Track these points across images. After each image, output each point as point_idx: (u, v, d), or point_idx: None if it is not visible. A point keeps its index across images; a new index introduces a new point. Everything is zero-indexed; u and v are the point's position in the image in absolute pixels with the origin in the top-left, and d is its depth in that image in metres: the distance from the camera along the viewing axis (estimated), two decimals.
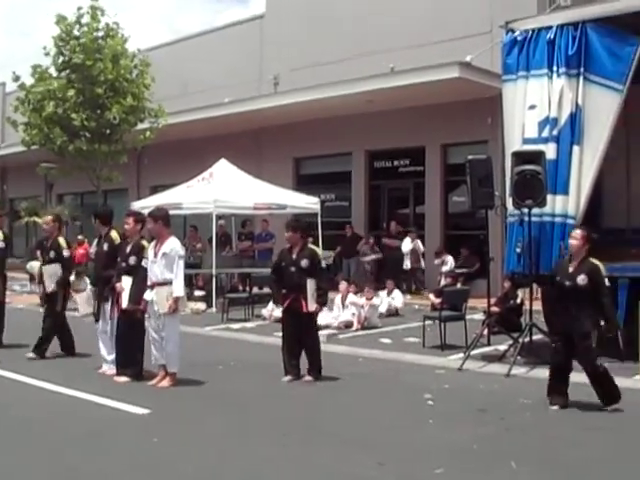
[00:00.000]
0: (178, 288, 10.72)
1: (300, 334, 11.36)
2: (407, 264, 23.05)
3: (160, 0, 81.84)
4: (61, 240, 13.45)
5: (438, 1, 23.89)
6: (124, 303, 11.15)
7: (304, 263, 11.21)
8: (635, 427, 8.66)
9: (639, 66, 12.28)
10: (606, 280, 9.65)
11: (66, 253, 13.37)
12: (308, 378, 11.22)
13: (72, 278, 13.90)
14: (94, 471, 7.21)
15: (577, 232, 9.90)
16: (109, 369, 11.72)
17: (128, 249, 11.45)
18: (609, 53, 12.32)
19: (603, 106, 12.35)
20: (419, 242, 23.24)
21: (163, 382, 10.88)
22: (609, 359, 12.07)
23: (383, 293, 19.11)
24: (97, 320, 11.87)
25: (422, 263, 23.27)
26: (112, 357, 11.70)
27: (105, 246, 12.01)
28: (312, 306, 11.12)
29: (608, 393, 9.51)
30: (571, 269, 9.70)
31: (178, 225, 27.22)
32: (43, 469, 7.26)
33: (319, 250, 11.52)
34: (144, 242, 11.43)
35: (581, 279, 9.51)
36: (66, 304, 13.44)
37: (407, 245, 22.95)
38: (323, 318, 16.50)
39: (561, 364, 9.64)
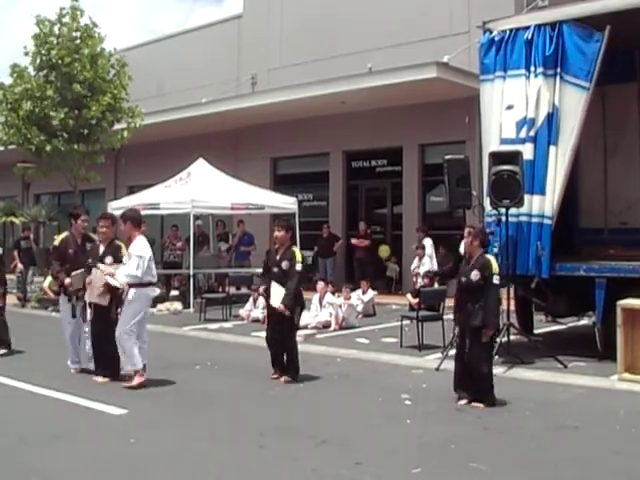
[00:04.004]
0: (119, 276, 10.83)
1: (280, 333, 11.37)
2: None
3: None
4: None
5: (416, 1, 23.90)
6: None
7: (284, 265, 11.26)
8: (609, 427, 8.67)
9: (614, 65, 12.30)
10: (495, 277, 9.71)
11: None
12: (285, 378, 11.21)
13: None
14: (60, 472, 7.19)
15: (466, 230, 10.07)
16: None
17: (101, 250, 11.46)
18: (578, 51, 12.32)
19: (573, 105, 12.37)
20: None
21: (131, 382, 10.78)
22: (586, 359, 12.19)
23: (358, 292, 19.05)
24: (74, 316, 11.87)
25: None
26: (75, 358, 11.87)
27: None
28: (275, 302, 11.13)
29: (481, 394, 9.66)
30: (468, 266, 9.95)
31: (156, 225, 27.18)
32: (6, 471, 7.18)
33: (298, 252, 11.50)
34: (118, 242, 11.50)
35: (474, 275, 9.75)
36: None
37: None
38: (301, 318, 16.50)
39: (463, 359, 9.84)
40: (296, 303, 11.30)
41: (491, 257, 9.96)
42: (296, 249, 11.57)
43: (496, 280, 9.73)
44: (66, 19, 24.13)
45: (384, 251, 23.97)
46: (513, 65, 12.87)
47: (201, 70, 30.24)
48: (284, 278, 11.18)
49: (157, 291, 11.55)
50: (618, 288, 11.69)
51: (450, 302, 15.78)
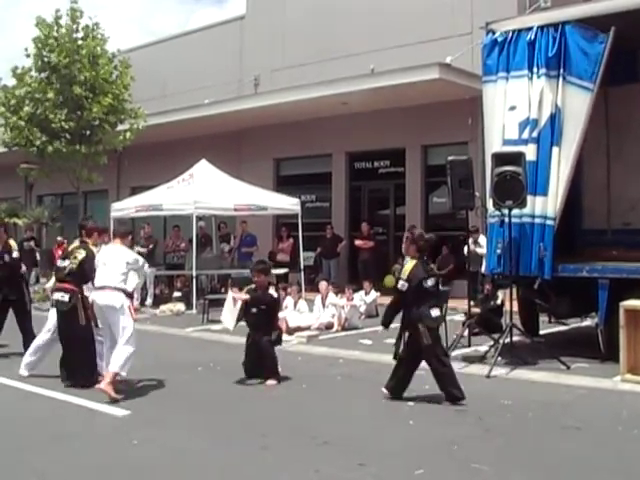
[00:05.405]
0: None
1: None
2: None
3: (133, 0, 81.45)
4: None
5: (418, 2, 23.88)
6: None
7: (264, 306, 11.47)
8: (612, 428, 8.66)
9: (617, 66, 12.29)
10: (400, 282, 9.99)
11: None
12: (269, 382, 11.20)
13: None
14: (61, 473, 7.22)
15: (405, 234, 10.24)
16: None
17: None
18: (582, 52, 12.31)
19: (577, 106, 12.35)
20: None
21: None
22: (589, 360, 12.18)
23: (360, 293, 18.99)
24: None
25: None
26: None
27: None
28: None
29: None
30: None
31: (158, 226, 27.19)
32: (6, 472, 7.19)
33: (273, 292, 11.76)
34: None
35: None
36: None
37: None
38: (303, 319, 16.52)
39: None
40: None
41: (411, 263, 10.01)
42: (271, 291, 11.78)
43: (399, 285, 10.00)
44: (64, 20, 24.18)
45: (389, 281, 23.84)
46: (516, 66, 12.84)
47: (203, 71, 30.23)
48: (264, 317, 11.46)
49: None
50: (621, 289, 11.67)
51: (453, 303, 15.87)
